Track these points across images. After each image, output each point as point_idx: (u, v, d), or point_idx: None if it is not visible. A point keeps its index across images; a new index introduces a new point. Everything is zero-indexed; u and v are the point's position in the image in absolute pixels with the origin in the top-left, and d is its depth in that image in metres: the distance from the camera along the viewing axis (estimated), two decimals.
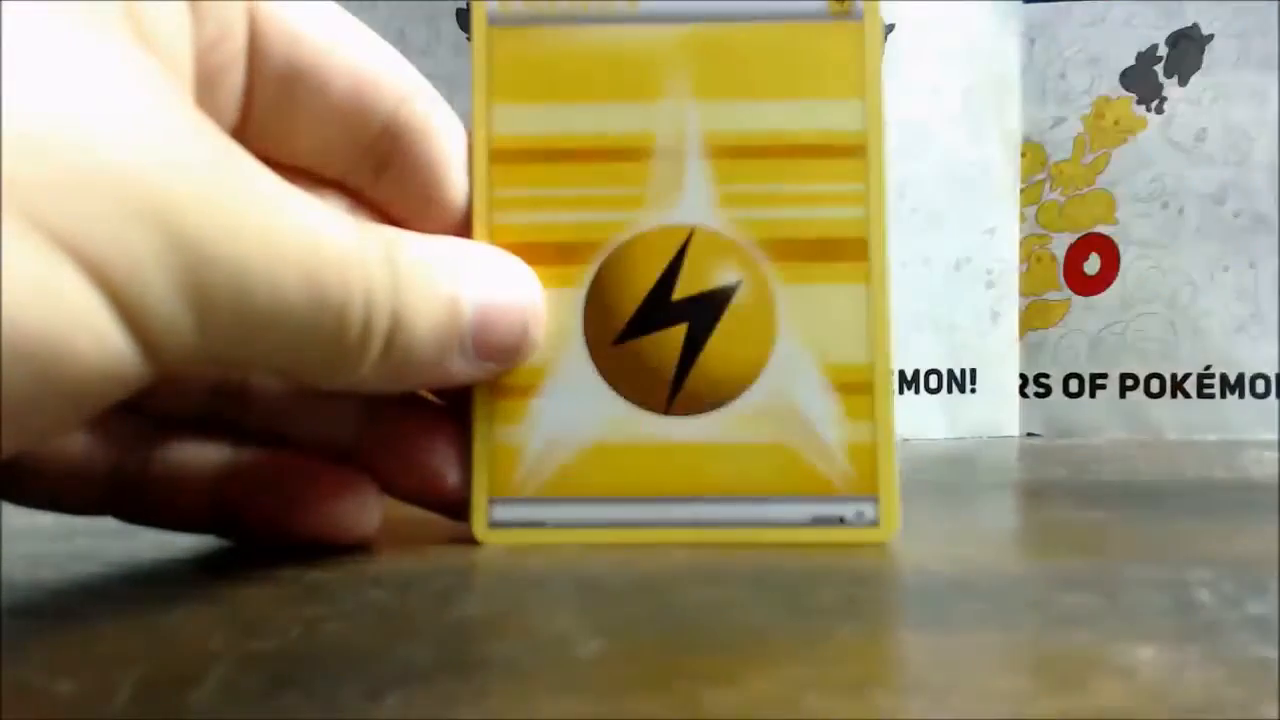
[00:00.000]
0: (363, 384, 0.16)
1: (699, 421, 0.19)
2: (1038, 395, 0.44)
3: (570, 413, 0.19)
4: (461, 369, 0.17)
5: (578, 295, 0.19)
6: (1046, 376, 0.44)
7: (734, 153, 0.19)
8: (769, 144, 0.19)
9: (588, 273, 0.19)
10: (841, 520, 0.19)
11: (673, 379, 0.19)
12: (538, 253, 0.19)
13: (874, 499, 0.19)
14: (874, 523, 0.19)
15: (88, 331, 0.12)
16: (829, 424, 0.19)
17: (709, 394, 0.19)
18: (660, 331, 0.19)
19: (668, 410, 0.19)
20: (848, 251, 0.19)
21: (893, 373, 0.19)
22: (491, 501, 0.19)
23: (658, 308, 0.19)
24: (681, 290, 0.19)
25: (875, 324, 0.19)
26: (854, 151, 0.19)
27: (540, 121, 0.19)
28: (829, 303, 0.19)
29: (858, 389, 0.19)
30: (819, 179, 0.19)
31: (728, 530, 0.19)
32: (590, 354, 0.19)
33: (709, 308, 0.19)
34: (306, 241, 0.14)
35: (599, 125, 0.19)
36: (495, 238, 0.19)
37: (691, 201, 0.19)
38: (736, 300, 0.19)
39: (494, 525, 0.19)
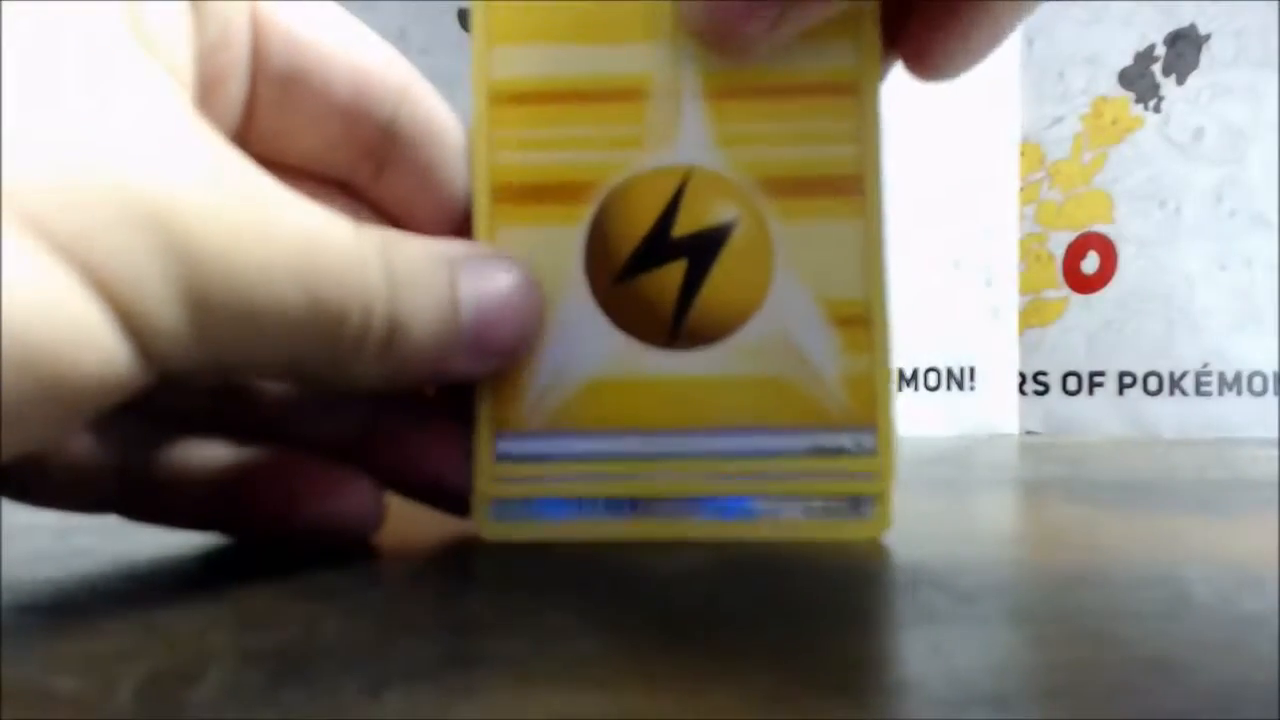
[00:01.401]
0: (361, 384, 0.16)
1: (699, 356, 0.19)
2: (1036, 393, 0.44)
3: (573, 349, 0.19)
4: (459, 367, 0.17)
5: (578, 234, 0.19)
6: (1045, 374, 0.44)
7: (730, 93, 0.19)
8: (764, 84, 0.19)
9: (588, 212, 0.19)
10: (841, 450, 0.19)
11: (673, 314, 0.19)
12: (538, 193, 0.19)
13: (872, 429, 0.19)
14: (872, 452, 0.19)
15: (86, 337, 0.12)
16: (827, 357, 0.19)
17: (709, 329, 0.19)
18: (660, 268, 0.19)
19: (668, 345, 0.19)
20: (843, 188, 0.19)
21: (889, 307, 0.19)
22: (498, 436, 0.19)
23: (657, 245, 0.19)
24: (680, 228, 0.19)
25: (871, 258, 0.19)
26: (848, 89, 0.19)
27: (539, 63, 0.19)
28: (826, 239, 0.19)
29: (855, 322, 0.19)
30: (814, 117, 0.19)
31: (729, 461, 0.19)
32: (591, 291, 0.19)
33: (708, 245, 0.19)
34: (304, 246, 0.14)
35: (597, 66, 0.19)
36: (495, 178, 0.19)
37: (689, 141, 0.19)
38: (734, 237, 0.19)
39: (500, 459, 0.19)
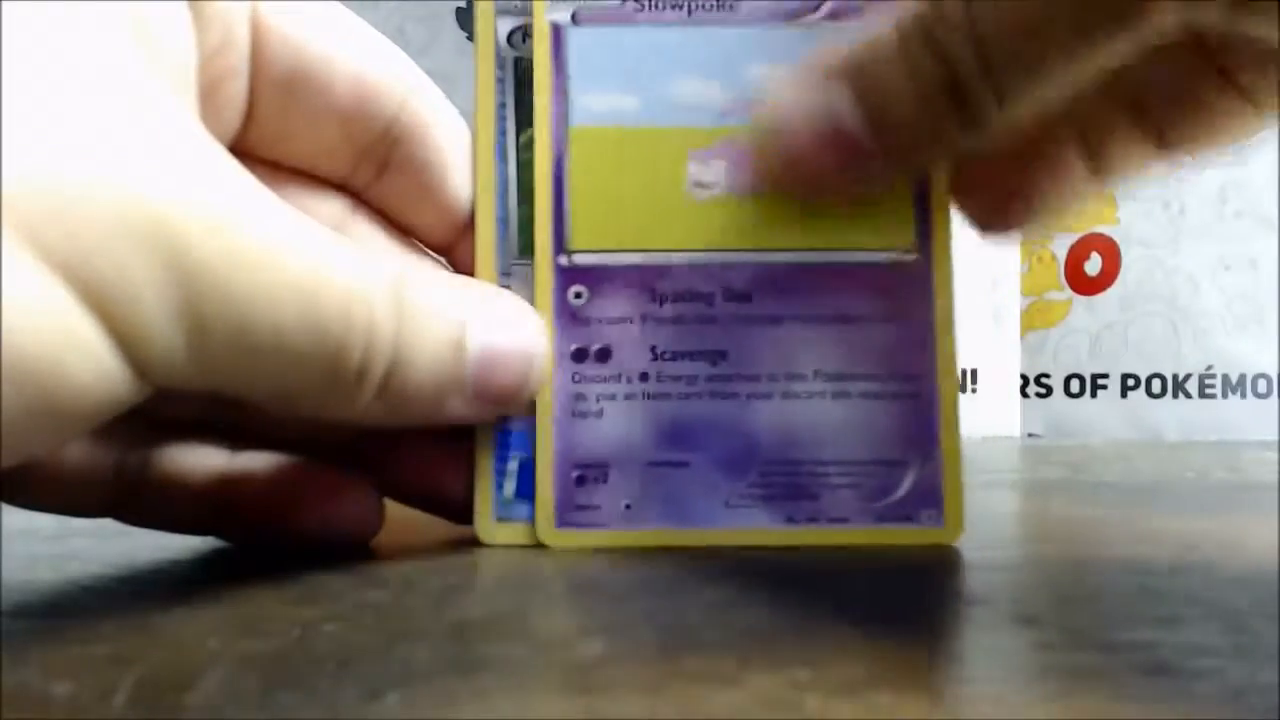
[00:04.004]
0: (358, 418, 0.16)
1: None
2: (1039, 395, 0.44)
3: None
4: (459, 410, 0.17)
5: None
6: (1047, 376, 0.44)
7: None
8: None
9: None
10: None
11: None
12: None
13: None
14: None
15: (80, 353, 0.12)
16: None
17: None
18: None
19: None
20: None
21: None
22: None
23: None
24: None
25: None
26: None
27: None
28: None
29: None
30: None
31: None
32: None
33: None
34: (309, 271, 0.14)
35: None
36: None
37: None
38: None
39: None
